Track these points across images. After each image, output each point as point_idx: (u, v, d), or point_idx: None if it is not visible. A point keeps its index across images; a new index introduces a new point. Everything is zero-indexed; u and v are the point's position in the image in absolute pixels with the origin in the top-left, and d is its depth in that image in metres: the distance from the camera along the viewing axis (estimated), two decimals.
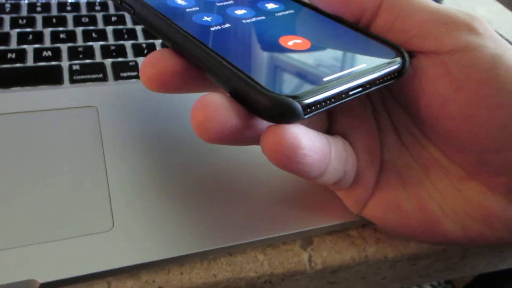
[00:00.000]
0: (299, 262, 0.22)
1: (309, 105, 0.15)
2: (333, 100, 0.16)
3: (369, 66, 0.17)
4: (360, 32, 0.20)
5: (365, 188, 0.21)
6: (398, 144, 0.21)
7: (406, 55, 0.18)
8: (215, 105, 0.15)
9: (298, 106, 0.15)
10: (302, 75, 0.17)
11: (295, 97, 0.15)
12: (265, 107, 0.15)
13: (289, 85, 0.16)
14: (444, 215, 0.20)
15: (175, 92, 0.19)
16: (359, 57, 0.18)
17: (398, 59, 0.18)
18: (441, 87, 0.18)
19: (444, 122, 0.18)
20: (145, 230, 0.20)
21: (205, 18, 0.20)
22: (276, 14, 0.21)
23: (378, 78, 0.17)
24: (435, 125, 0.19)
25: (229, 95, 0.16)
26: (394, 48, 0.19)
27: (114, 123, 0.25)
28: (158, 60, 0.18)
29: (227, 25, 0.19)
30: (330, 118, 0.21)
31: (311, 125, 0.20)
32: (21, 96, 0.26)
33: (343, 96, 0.16)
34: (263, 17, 0.20)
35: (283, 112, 0.15)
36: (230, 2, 0.22)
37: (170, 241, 0.20)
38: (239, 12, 0.21)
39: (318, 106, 0.16)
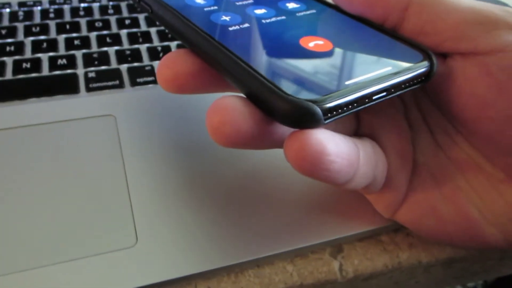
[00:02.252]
0: (330, 272, 0.21)
1: (330, 110, 0.15)
2: (355, 104, 0.15)
3: (394, 69, 0.16)
4: (385, 33, 0.19)
5: (396, 192, 0.20)
6: (433, 144, 0.20)
7: (434, 58, 0.17)
8: (231, 108, 0.15)
9: (318, 110, 0.14)
10: (323, 78, 0.16)
11: (315, 101, 0.14)
12: (283, 111, 0.14)
13: (309, 88, 0.15)
14: (484, 219, 0.19)
15: (193, 93, 0.19)
16: (384, 60, 0.17)
17: (425, 62, 0.17)
18: (481, 89, 0.17)
19: (484, 125, 0.17)
20: (169, 245, 0.20)
21: (224, 18, 0.19)
22: (297, 14, 0.20)
23: (403, 82, 0.16)
24: (474, 127, 0.18)
25: (246, 97, 0.16)
26: (421, 50, 0.18)
27: (133, 131, 0.25)
28: (174, 62, 0.18)
29: (246, 25, 0.19)
30: (358, 118, 0.21)
31: (338, 126, 0.19)
32: (38, 108, 0.26)
33: (367, 100, 0.16)
34: (283, 17, 0.20)
35: (302, 116, 0.14)
36: (249, 1, 0.21)
37: (195, 256, 0.19)
38: (259, 11, 0.20)
39: (340, 111, 0.15)
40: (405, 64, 0.17)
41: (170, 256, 0.19)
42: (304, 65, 0.16)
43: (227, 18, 0.19)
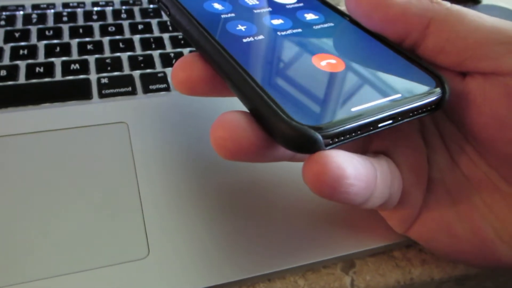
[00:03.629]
0: (341, 287, 0.21)
1: (332, 137, 0.14)
2: (359, 132, 0.15)
3: (403, 96, 0.16)
4: (401, 54, 0.18)
5: (411, 208, 0.20)
6: (449, 161, 0.20)
7: (447, 86, 0.17)
8: (233, 124, 0.15)
9: (320, 138, 0.14)
10: (330, 102, 0.15)
11: (317, 128, 0.14)
12: (284, 136, 0.14)
13: (312, 113, 0.15)
14: (498, 239, 0.18)
15: (204, 96, 0.19)
16: (394, 86, 0.17)
17: (438, 90, 0.17)
18: (501, 110, 0.17)
19: (502, 146, 0.17)
20: (181, 257, 0.20)
21: (239, 27, 0.19)
22: (314, 27, 0.20)
23: (412, 110, 0.16)
24: (492, 147, 0.18)
25: (250, 113, 0.16)
26: (435, 76, 0.17)
27: (145, 139, 0.25)
28: (188, 65, 0.18)
29: (260, 37, 0.18)
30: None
31: (351, 143, 0.19)
32: (51, 113, 0.26)
33: (371, 128, 0.15)
34: (299, 30, 0.19)
35: (302, 143, 0.14)
36: (268, 9, 0.21)
37: (207, 269, 0.19)
38: (275, 22, 0.20)
39: (342, 138, 0.15)
40: (416, 92, 0.16)
41: (181, 268, 0.19)
42: (312, 87, 0.16)
43: (242, 28, 0.19)
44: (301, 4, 0.21)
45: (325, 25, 0.20)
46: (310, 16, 0.20)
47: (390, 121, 0.16)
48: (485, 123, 0.17)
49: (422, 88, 0.17)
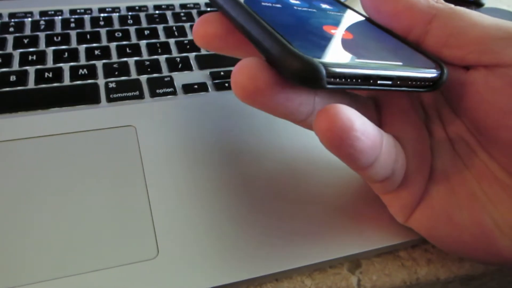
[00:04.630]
0: (348, 287, 0.21)
1: (335, 75, 0.15)
2: (359, 81, 0.16)
3: (405, 64, 0.17)
4: (405, 43, 0.20)
5: (412, 193, 0.20)
6: (451, 152, 0.20)
7: (445, 70, 0.18)
8: (252, 67, 0.16)
9: (323, 70, 0.15)
10: (336, 49, 0.16)
11: (322, 62, 0.15)
12: (291, 66, 0.15)
13: (320, 52, 0.16)
14: (499, 231, 0.19)
15: (218, 51, 0.21)
16: (397, 56, 0.18)
17: (435, 70, 0.18)
18: (503, 98, 0.17)
19: (504, 133, 0.18)
20: (190, 257, 0.20)
21: None
22: (327, 12, 0.21)
23: (411, 79, 0.17)
24: (494, 136, 0.18)
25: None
26: (434, 61, 0.18)
27: (153, 142, 0.25)
28: (207, 22, 0.20)
29: (278, 5, 0.20)
30: (380, 119, 0.21)
31: None
32: (60, 117, 0.26)
33: (371, 81, 0.16)
34: (314, 10, 0.21)
35: (307, 73, 0.15)
36: None
37: (215, 269, 0.20)
38: (293, 1, 0.21)
39: (343, 80, 0.15)
40: (416, 65, 0.17)
41: (190, 268, 0.19)
42: (322, 39, 0.17)
43: None
44: None
45: (338, 13, 0.21)
46: (324, 6, 0.22)
47: (389, 82, 0.16)
48: (488, 111, 0.18)
49: (422, 64, 0.18)
